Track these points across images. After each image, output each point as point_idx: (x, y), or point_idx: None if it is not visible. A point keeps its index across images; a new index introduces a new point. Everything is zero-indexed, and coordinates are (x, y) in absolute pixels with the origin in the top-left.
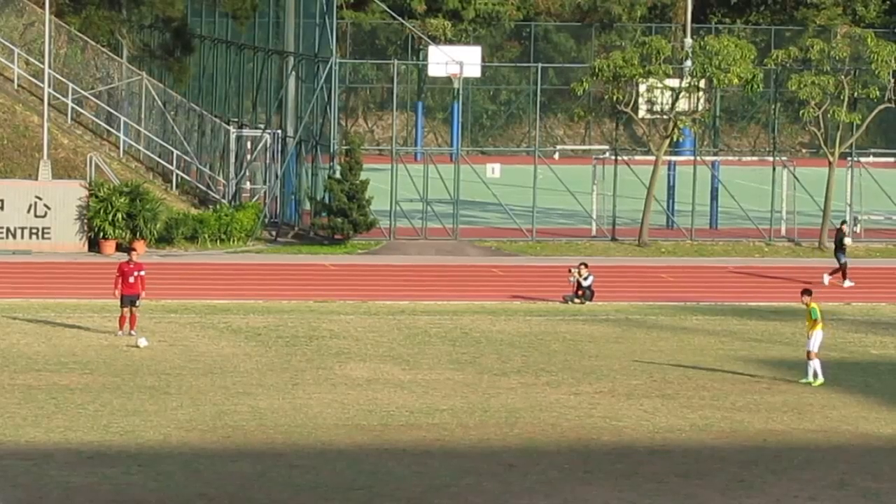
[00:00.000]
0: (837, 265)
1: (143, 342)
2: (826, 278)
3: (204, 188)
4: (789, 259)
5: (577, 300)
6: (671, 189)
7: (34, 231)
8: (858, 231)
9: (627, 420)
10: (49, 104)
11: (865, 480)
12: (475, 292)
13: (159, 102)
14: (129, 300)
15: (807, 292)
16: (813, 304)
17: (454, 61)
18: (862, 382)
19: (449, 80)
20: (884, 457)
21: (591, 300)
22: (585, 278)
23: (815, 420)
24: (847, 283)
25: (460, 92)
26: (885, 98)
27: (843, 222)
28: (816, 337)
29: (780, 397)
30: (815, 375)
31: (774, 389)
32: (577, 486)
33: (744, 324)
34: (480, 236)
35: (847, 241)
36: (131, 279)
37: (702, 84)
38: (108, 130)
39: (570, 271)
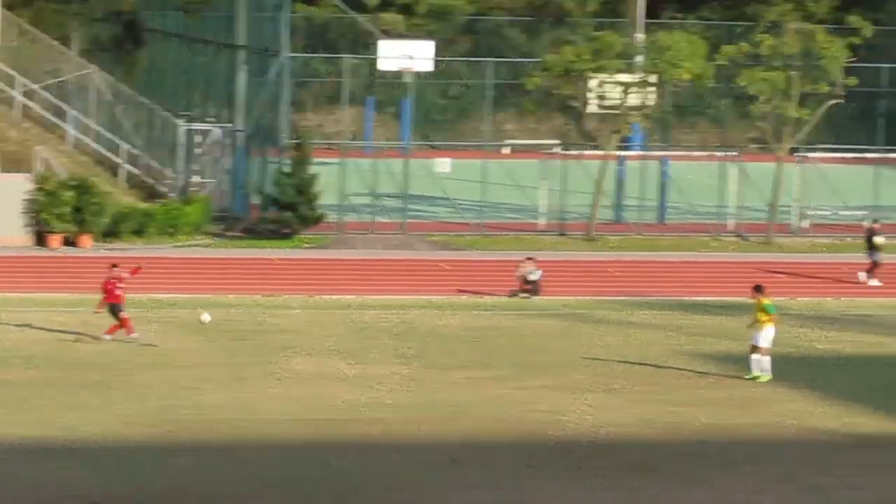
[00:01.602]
0: (871, 263)
1: (205, 317)
2: (862, 276)
3: (152, 182)
4: (736, 254)
5: (523, 295)
6: (620, 184)
7: None
8: (806, 226)
9: (572, 415)
10: None
11: (810, 474)
12: (422, 287)
13: (109, 96)
14: (113, 308)
15: (758, 288)
16: (766, 301)
17: (406, 56)
18: (807, 377)
19: (399, 74)
20: (829, 451)
21: (537, 295)
22: (533, 273)
23: (761, 415)
24: (873, 282)
25: (412, 86)
26: (835, 94)
27: (875, 220)
28: (767, 333)
29: (726, 392)
30: (763, 371)
31: (720, 384)
32: (521, 480)
33: (690, 319)
34: (429, 231)
35: (878, 239)
36: (117, 291)
37: (652, 79)
38: (56, 124)
39: (517, 266)
